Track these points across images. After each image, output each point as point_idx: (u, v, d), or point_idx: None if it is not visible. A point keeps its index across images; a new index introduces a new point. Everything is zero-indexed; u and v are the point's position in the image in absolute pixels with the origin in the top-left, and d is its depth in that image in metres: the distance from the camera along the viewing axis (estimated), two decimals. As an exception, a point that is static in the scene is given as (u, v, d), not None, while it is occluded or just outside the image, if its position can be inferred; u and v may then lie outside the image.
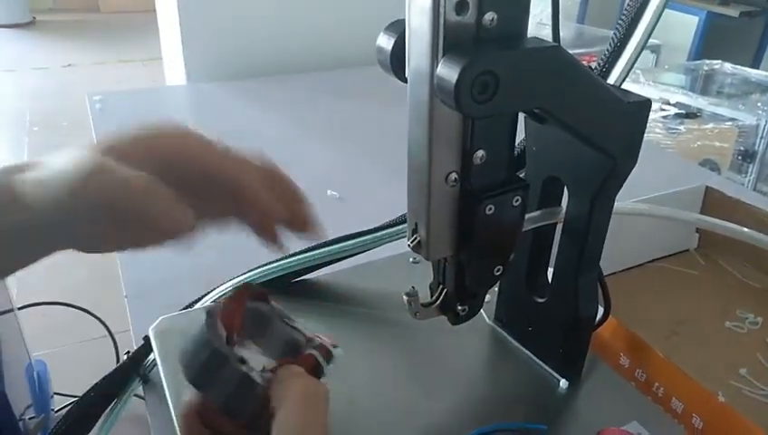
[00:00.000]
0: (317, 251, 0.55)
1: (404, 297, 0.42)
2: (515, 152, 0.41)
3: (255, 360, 0.35)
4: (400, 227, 0.55)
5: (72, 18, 4.69)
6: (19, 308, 1.25)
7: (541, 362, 0.48)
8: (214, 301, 0.35)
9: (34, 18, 4.53)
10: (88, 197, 0.31)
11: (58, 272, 1.74)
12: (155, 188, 0.32)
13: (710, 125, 1.84)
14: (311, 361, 0.36)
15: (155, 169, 0.33)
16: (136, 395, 0.50)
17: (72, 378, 1.08)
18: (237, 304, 0.36)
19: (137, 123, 0.35)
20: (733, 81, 2.10)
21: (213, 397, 0.32)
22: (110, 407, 0.48)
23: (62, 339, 1.65)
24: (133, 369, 0.50)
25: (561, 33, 0.40)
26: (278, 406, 0.31)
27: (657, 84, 2.01)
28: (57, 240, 0.34)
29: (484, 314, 0.52)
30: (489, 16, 0.31)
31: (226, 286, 0.55)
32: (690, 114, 1.90)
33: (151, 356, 0.50)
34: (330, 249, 0.55)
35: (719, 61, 2.14)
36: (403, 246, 0.42)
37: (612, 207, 0.42)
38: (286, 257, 0.55)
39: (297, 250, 0.56)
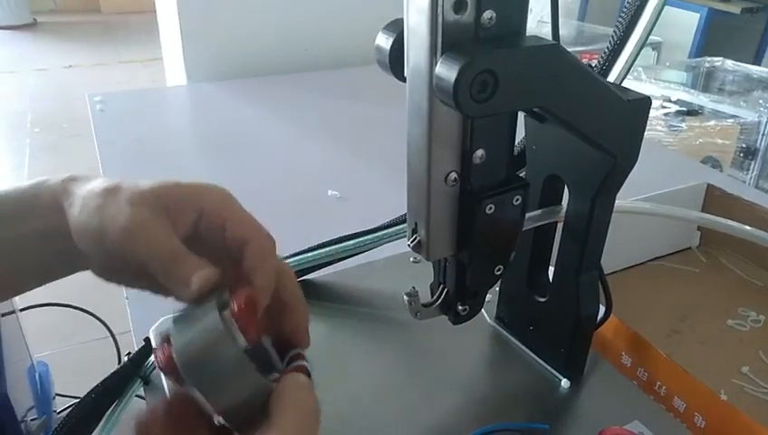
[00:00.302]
0: (318, 251, 0.55)
1: (404, 297, 0.41)
2: (515, 151, 0.41)
3: None
4: (400, 226, 0.55)
5: (73, 19, 4.69)
6: (21, 310, 1.25)
7: (542, 362, 0.48)
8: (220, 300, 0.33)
9: (35, 20, 4.53)
10: (117, 248, 0.33)
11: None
12: (184, 258, 0.33)
13: (712, 122, 1.84)
14: (304, 372, 0.34)
15: (189, 226, 0.35)
16: (137, 396, 0.50)
17: (74, 379, 1.08)
18: (253, 310, 0.33)
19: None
20: (734, 78, 2.09)
21: (216, 404, 0.30)
22: (111, 408, 0.48)
23: (64, 340, 1.65)
24: (134, 370, 0.50)
25: (561, 32, 0.40)
26: (276, 415, 0.30)
27: (658, 82, 2.01)
28: (79, 259, 0.36)
29: (485, 314, 0.52)
30: (488, 15, 0.31)
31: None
32: (692, 111, 1.90)
33: (152, 357, 0.50)
34: (330, 249, 0.55)
35: (720, 58, 2.13)
36: (403, 245, 0.42)
37: (613, 205, 0.42)
38: (288, 257, 0.55)
39: (298, 250, 0.56)
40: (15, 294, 0.40)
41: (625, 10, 0.41)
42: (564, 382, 0.46)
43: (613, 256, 0.56)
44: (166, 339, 0.32)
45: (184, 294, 0.33)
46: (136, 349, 0.51)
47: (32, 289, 0.39)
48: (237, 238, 0.36)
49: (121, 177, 0.37)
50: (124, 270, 0.36)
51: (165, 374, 0.32)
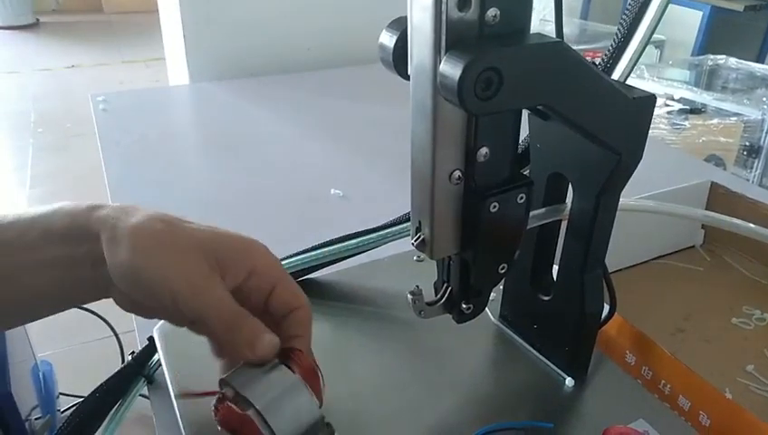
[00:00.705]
0: (321, 250, 0.55)
1: (408, 296, 0.41)
2: (519, 149, 0.41)
3: None
4: (404, 225, 0.55)
5: (76, 19, 4.70)
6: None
7: (546, 360, 0.48)
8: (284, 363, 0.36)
9: (38, 20, 4.54)
10: (174, 298, 0.34)
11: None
12: (245, 319, 0.35)
13: (715, 120, 1.83)
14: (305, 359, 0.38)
15: (239, 281, 0.36)
16: (141, 395, 0.50)
17: (78, 378, 1.09)
18: (314, 372, 0.37)
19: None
20: (737, 75, 2.08)
21: None
22: (115, 407, 0.48)
23: (68, 340, 1.66)
24: (138, 369, 0.50)
25: (564, 30, 0.39)
26: None
27: (661, 80, 2.00)
28: (105, 288, 0.36)
29: (489, 313, 0.52)
30: (492, 12, 0.31)
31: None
32: (695, 110, 1.89)
33: (156, 356, 0.50)
34: (334, 248, 0.55)
35: (724, 55, 2.12)
36: (407, 244, 0.42)
37: (617, 203, 0.42)
38: (291, 257, 0.55)
39: (301, 249, 0.56)
40: (29, 321, 0.39)
41: (629, 8, 0.41)
42: (568, 381, 0.46)
43: (617, 255, 0.56)
44: (230, 397, 0.35)
45: (245, 354, 0.35)
46: (139, 348, 0.51)
47: (48, 315, 0.38)
48: (285, 303, 0.37)
49: (156, 211, 0.36)
50: (157, 309, 0.37)
51: (225, 430, 0.35)
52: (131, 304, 0.37)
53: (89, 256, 0.35)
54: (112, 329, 1.37)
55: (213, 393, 0.36)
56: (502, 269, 0.41)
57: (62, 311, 0.38)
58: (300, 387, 0.34)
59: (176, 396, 0.43)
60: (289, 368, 0.35)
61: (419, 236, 0.39)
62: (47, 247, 0.35)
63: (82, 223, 0.35)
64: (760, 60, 2.79)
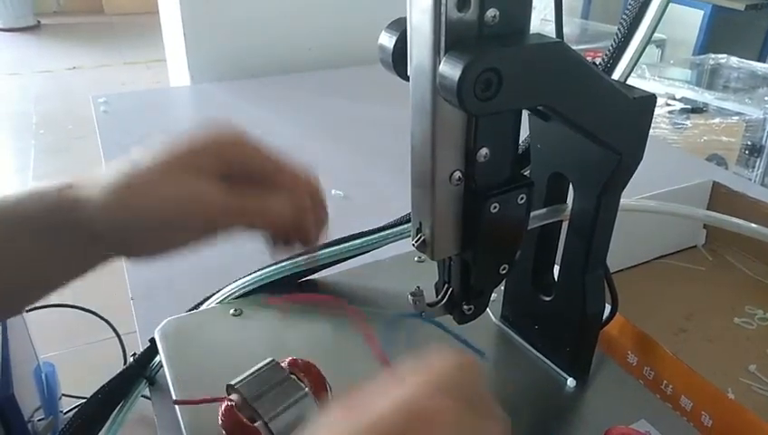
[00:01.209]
0: (323, 251, 0.55)
1: (410, 297, 0.41)
2: (520, 150, 0.41)
3: None
4: (405, 226, 0.55)
5: (76, 21, 4.70)
6: (27, 311, 1.26)
7: (548, 361, 0.48)
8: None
9: (39, 22, 4.55)
10: (168, 215, 0.35)
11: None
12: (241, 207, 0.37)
13: (716, 120, 1.83)
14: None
15: (221, 172, 0.37)
16: (143, 396, 0.50)
17: (80, 380, 1.09)
18: (323, 384, 0.38)
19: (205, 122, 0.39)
20: (739, 75, 2.07)
21: None
22: (117, 408, 0.48)
23: (70, 341, 1.66)
24: (140, 371, 0.50)
25: (564, 30, 0.39)
26: None
27: (662, 79, 1.99)
28: (105, 245, 0.37)
29: (491, 313, 0.52)
30: (491, 13, 0.31)
31: (232, 287, 0.55)
32: (696, 109, 1.89)
33: (157, 358, 0.50)
34: (335, 249, 0.55)
35: (725, 55, 2.12)
36: (408, 245, 0.42)
37: (618, 203, 0.42)
38: (292, 258, 0.55)
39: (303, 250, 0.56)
40: (40, 298, 0.40)
41: (629, 7, 0.41)
42: (570, 381, 0.46)
43: (618, 255, 0.56)
44: (237, 404, 0.35)
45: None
46: (141, 349, 0.51)
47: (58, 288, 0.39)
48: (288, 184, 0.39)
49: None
50: (160, 235, 0.37)
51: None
52: (134, 246, 0.38)
53: (70, 222, 0.36)
54: (114, 330, 1.37)
55: (210, 401, 0.36)
56: (503, 270, 0.41)
57: (77, 278, 0.39)
58: (309, 402, 0.34)
59: (173, 402, 0.43)
60: (299, 379, 0.35)
61: (420, 237, 0.39)
62: (32, 233, 0.37)
63: (56, 199, 0.37)
64: (761, 59, 2.78)
